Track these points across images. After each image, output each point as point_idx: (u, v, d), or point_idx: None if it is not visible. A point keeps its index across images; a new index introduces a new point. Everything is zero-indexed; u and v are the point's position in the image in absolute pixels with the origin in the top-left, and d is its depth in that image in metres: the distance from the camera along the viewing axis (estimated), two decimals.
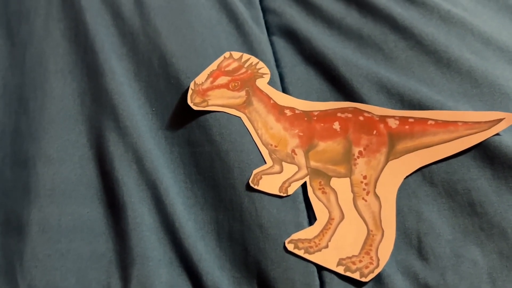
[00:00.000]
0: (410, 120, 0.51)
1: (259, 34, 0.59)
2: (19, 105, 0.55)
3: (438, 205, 0.48)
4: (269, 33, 0.61)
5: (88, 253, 0.47)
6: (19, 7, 0.61)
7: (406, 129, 0.50)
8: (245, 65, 0.55)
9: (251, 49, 0.57)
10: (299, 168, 0.50)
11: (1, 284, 0.45)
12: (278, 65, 0.58)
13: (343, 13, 0.60)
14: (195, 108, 0.51)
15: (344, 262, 0.46)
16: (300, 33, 0.59)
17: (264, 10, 0.63)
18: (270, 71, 0.55)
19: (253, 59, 0.55)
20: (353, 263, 0.46)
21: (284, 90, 0.55)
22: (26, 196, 0.49)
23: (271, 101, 0.53)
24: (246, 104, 0.53)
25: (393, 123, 0.51)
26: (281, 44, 0.60)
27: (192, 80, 0.53)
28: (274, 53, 0.59)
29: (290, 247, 0.46)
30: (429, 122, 0.50)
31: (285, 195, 0.48)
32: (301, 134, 0.51)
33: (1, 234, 0.47)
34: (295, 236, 0.47)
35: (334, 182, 0.49)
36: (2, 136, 0.53)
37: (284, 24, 0.61)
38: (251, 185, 0.48)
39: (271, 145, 0.51)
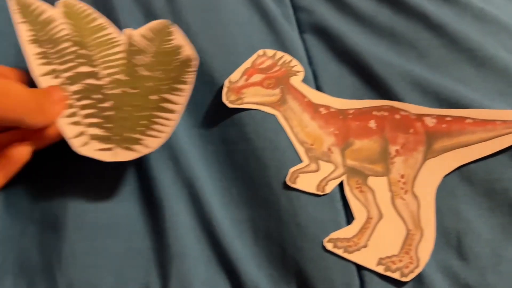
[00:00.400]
0: (448, 118, 0.50)
1: (291, 31, 0.59)
2: None
3: (477, 204, 0.48)
4: (300, 31, 0.61)
5: (125, 250, 0.47)
6: None
7: (444, 127, 0.50)
8: (279, 63, 0.54)
9: (283, 46, 0.57)
10: (336, 167, 0.50)
11: (40, 281, 0.45)
12: (310, 63, 0.57)
13: (374, 11, 0.60)
14: (230, 105, 0.51)
15: (384, 261, 0.45)
16: (331, 30, 0.59)
17: (295, 7, 0.63)
18: (303, 69, 0.55)
19: (287, 57, 0.55)
20: (393, 262, 0.45)
21: (318, 88, 0.55)
22: (62, 194, 0.49)
23: (306, 99, 0.53)
24: (280, 102, 0.52)
25: (430, 122, 0.50)
26: (313, 42, 0.59)
27: (226, 78, 0.53)
28: (306, 51, 0.58)
29: (329, 246, 0.46)
30: (467, 120, 0.50)
31: (322, 193, 0.48)
32: (337, 132, 0.51)
33: (38, 231, 0.47)
34: (333, 235, 0.46)
35: (372, 180, 0.49)
36: None
37: (315, 21, 0.60)
38: (289, 183, 0.48)
39: (307, 143, 0.51)
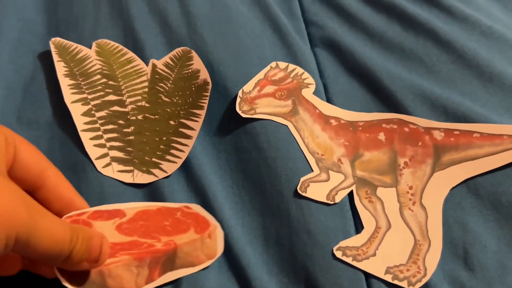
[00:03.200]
0: (456, 132, 0.51)
1: (303, 45, 0.60)
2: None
3: (484, 216, 0.49)
4: (312, 45, 0.62)
5: None
6: (68, 14, 0.62)
7: (452, 141, 0.51)
8: (291, 75, 0.56)
9: (295, 59, 0.59)
10: (346, 177, 0.51)
11: None
12: (321, 76, 0.59)
13: (384, 27, 0.61)
14: (243, 115, 0.52)
15: (391, 270, 0.46)
16: (342, 45, 0.60)
17: (306, 22, 0.64)
18: (314, 81, 0.56)
19: (299, 69, 0.57)
20: (401, 271, 0.46)
21: (328, 101, 0.56)
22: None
23: (317, 111, 0.54)
24: (292, 113, 0.54)
25: (438, 135, 0.52)
26: (324, 56, 0.61)
27: (239, 89, 0.54)
28: (317, 64, 0.60)
29: (338, 254, 0.46)
30: (475, 135, 0.51)
31: (332, 203, 0.49)
32: (347, 143, 0.52)
33: None
34: (343, 243, 0.47)
35: (381, 191, 0.50)
36: (51, 142, 0.54)
37: (326, 36, 0.62)
38: (299, 192, 0.49)
39: (318, 153, 0.52)
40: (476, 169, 0.50)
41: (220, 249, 0.46)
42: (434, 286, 0.46)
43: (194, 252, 0.45)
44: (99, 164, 0.51)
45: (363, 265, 0.47)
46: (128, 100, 0.54)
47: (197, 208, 0.48)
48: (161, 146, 0.52)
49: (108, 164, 0.51)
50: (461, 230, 0.48)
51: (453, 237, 0.48)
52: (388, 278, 0.46)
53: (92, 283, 0.41)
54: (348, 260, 0.47)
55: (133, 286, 0.43)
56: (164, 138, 0.53)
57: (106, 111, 0.54)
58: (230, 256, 0.47)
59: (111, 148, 0.52)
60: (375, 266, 0.47)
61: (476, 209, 0.49)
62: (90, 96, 0.55)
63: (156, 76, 0.56)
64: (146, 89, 0.55)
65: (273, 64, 0.57)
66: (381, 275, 0.46)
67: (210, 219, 0.47)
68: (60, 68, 0.56)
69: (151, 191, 0.51)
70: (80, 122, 0.53)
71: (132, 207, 0.47)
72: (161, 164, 0.51)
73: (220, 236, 0.46)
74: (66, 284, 0.41)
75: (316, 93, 0.56)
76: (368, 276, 0.47)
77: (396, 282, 0.46)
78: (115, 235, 0.44)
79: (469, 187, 0.50)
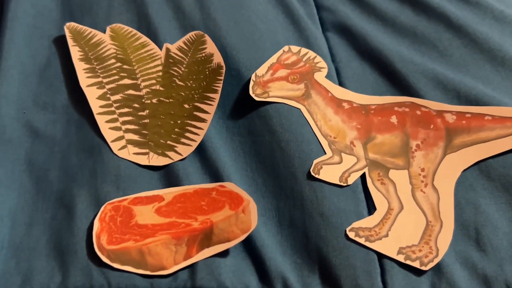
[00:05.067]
0: (467, 115, 0.52)
1: (315, 29, 0.61)
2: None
3: (495, 198, 0.49)
4: (323, 29, 0.63)
5: None
6: (82, 0, 0.63)
7: (463, 124, 0.51)
8: (304, 59, 0.56)
9: (307, 43, 0.59)
10: (358, 159, 0.51)
11: (71, 262, 0.46)
12: (333, 60, 0.59)
13: (396, 11, 0.62)
14: (256, 99, 0.53)
15: (404, 251, 0.47)
16: (354, 29, 0.60)
17: (318, 7, 0.65)
18: (326, 65, 0.56)
19: (311, 53, 0.57)
20: (413, 252, 0.47)
21: (341, 84, 0.57)
22: (93, 182, 0.51)
23: (329, 94, 0.55)
24: (305, 97, 0.54)
25: (450, 118, 0.52)
26: (336, 40, 0.61)
27: (252, 73, 0.54)
28: (329, 49, 0.60)
29: (351, 235, 0.47)
30: (486, 117, 0.51)
31: (345, 184, 0.50)
32: (359, 126, 0.53)
33: (69, 216, 0.49)
34: (356, 224, 0.48)
35: (393, 173, 0.51)
36: (68, 125, 0.54)
37: (338, 20, 0.62)
38: (312, 174, 0.49)
39: (330, 136, 0.52)
40: (487, 152, 0.50)
41: (254, 222, 0.47)
42: (446, 266, 0.47)
43: (229, 227, 0.46)
44: (115, 147, 0.52)
45: (375, 246, 0.47)
46: (143, 84, 0.55)
47: (230, 186, 0.49)
48: (176, 129, 0.53)
49: (123, 147, 0.52)
50: (473, 212, 0.49)
51: (464, 219, 0.48)
52: (401, 258, 0.47)
53: (132, 261, 0.44)
54: (361, 240, 0.47)
55: (171, 263, 0.45)
56: (179, 122, 0.53)
57: (121, 95, 0.55)
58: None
59: (127, 131, 0.53)
60: (387, 247, 0.47)
61: (487, 191, 0.49)
62: (105, 80, 0.55)
63: (170, 60, 0.56)
64: (160, 73, 0.56)
65: (286, 48, 0.57)
66: (393, 255, 0.47)
67: (243, 195, 0.48)
68: (75, 53, 0.57)
69: (167, 174, 0.52)
70: (95, 105, 0.54)
71: (170, 192, 0.49)
72: (176, 147, 0.52)
73: (254, 209, 0.47)
74: (107, 261, 0.44)
75: (328, 76, 0.56)
76: (380, 256, 0.48)
77: (408, 262, 0.46)
78: (155, 218, 0.46)
79: (481, 169, 0.50)
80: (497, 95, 0.53)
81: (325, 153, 0.51)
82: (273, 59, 0.56)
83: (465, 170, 0.50)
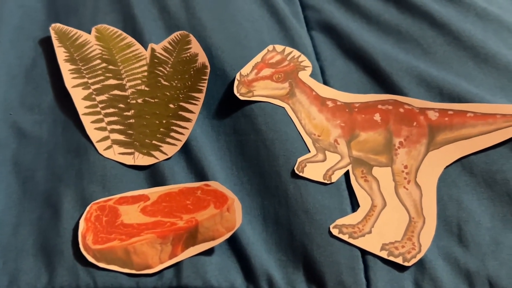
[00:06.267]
0: (450, 112, 0.52)
1: (299, 28, 0.61)
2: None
3: (478, 194, 0.50)
4: (308, 28, 0.63)
5: None
6: (68, 0, 0.63)
7: (446, 121, 0.52)
8: (288, 58, 0.57)
9: (292, 43, 0.59)
10: (342, 157, 0.52)
11: (57, 262, 0.47)
12: (318, 59, 0.59)
13: (381, 10, 0.62)
14: (241, 98, 0.53)
15: (387, 247, 0.47)
16: (339, 28, 0.61)
17: (303, 6, 0.65)
18: (311, 64, 0.57)
19: (295, 52, 0.57)
20: (396, 248, 0.47)
21: (325, 83, 0.57)
22: (79, 182, 0.51)
23: (313, 93, 0.55)
24: (289, 95, 0.55)
25: (433, 115, 0.52)
26: (321, 39, 0.61)
27: (237, 72, 0.55)
28: (314, 47, 0.60)
29: (335, 232, 0.48)
30: (468, 114, 0.52)
31: (329, 182, 0.50)
32: (343, 124, 0.53)
33: (55, 216, 0.49)
34: (339, 221, 0.48)
35: (376, 170, 0.51)
36: (54, 126, 0.55)
37: (323, 19, 0.63)
38: (296, 172, 0.50)
39: (314, 134, 0.53)
40: (470, 148, 0.51)
41: (239, 220, 0.47)
42: (428, 262, 0.47)
43: (214, 226, 0.46)
44: (100, 147, 0.52)
45: (359, 242, 0.48)
46: (128, 84, 0.55)
47: (215, 185, 0.49)
48: (161, 129, 0.53)
49: (109, 147, 0.52)
50: (456, 208, 0.49)
51: (447, 215, 0.49)
52: (384, 254, 0.47)
53: (118, 260, 0.44)
54: (345, 237, 0.48)
55: (157, 261, 0.45)
56: (164, 121, 0.54)
57: (107, 95, 0.55)
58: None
59: (112, 131, 0.53)
60: (371, 243, 0.48)
61: (470, 187, 0.50)
62: (90, 81, 0.56)
63: (155, 60, 0.56)
64: (146, 73, 0.56)
65: (270, 47, 0.58)
66: (376, 251, 0.47)
67: (228, 194, 0.49)
68: (61, 54, 0.57)
69: (152, 173, 0.52)
70: (81, 106, 0.54)
71: (155, 191, 0.50)
72: (161, 146, 0.52)
73: (239, 208, 0.48)
74: (93, 261, 0.45)
75: (312, 75, 0.57)
76: (364, 252, 0.48)
77: (391, 258, 0.47)
78: (140, 217, 0.47)
79: (464, 166, 0.51)
80: (480, 92, 0.53)
81: (309, 151, 0.52)
82: (257, 58, 0.56)
83: (447, 166, 0.51)
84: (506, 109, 0.51)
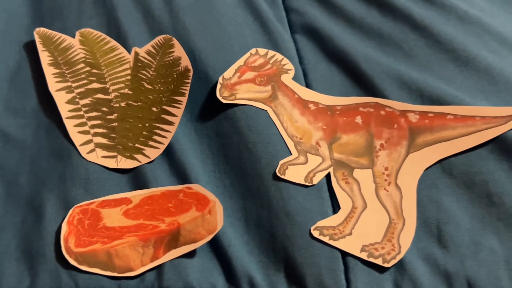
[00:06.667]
0: (430, 114, 0.53)
1: (283, 32, 0.61)
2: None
3: (457, 195, 0.50)
4: (292, 32, 0.63)
5: None
6: (53, 4, 0.63)
7: (426, 123, 0.52)
8: (271, 61, 0.57)
9: (275, 46, 0.60)
10: (323, 159, 0.52)
11: (40, 266, 0.47)
12: (301, 62, 0.60)
13: (364, 13, 0.63)
14: (223, 101, 0.53)
15: (367, 248, 0.48)
16: (322, 31, 0.61)
17: (287, 9, 0.65)
18: (294, 67, 0.57)
19: (278, 56, 0.58)
20: (376, 249, 0.48)
21: (308, 86, 0.58)
22: (63, 185, 0.51)
23: (296, 96, 0.56)
24: (272, 98, 0.55)
25: (413, 118, 0.53)
26: (304, 42, 0.62)
27: (220, 75, 0.55)
28: (297, 51, 0.61)
29: (315, 233, 0.48)
30: (448, 116, 0.52)
31: (310, 184, 0.51)
32: (325, 127, 0.54)
33: (38, 219, 0.49)
34: (320, 223, 0.49)
35: (357, 173, 0.52)
36: (37, 130, 0.55)
37: (306, 23, 0.63)
38: (278, 174, 0.50)
39: (296, 137, 0.53)
40: (449, 150, 0.51)
41: (220, 223, 0.48)
42: (408, 263, 0.48)
43: (196, 229, 0.47)
44: (83, 150, 0.52)
45: (339, 244, 0.48)
46: (112, 87, 0.56)
47: (197, 188, 0.50)
48: (144, 132, 0.54)
49: (92, 150, 0.53)
50: (435, 209, 0.50)
51: (427, 216, 0.50)
52: (364, 256, 0.48)
53: (100, 263, 0.45)
54: (325, 239, 0.48)
55: (138, 264, 0.46)
56: (147, 125, 0.54)
57: (90, 99, 0.55)
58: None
59: (95, 134, 0.53)
60: (351, 245, 0.48)
61: (450, 189, 0.51)
62: (74, 84, 0.56)
63: (139, 64, 0.57)
64: (129, 77, 0.56)
65: (253, 50, 0.58)
66: (356, 253, 0.48)
67: (209, 196, 0.49)
68: (45, 58, 0.57)
69: (135, 176, 0.53)
70: (64, 109, 0.54)
71: (138, 194, 0.50)
72: (144, 149, 0.53)
73: (220, 210, 0.48)
74: (75, 264, 0.45)
75: (295, 78, 0.57)
76: (344, 254, 0.48)
77: (371, 259, 0.48)
78: (122, 220, 0.47)
79: (443, 168, 0.51)
80: (460, 94, 0.54)
81: (291, 154, 0.52)
82: (240, 61, 0.57)
83: (427, 168, 0.51)
84: (486, 112, 0.51)
